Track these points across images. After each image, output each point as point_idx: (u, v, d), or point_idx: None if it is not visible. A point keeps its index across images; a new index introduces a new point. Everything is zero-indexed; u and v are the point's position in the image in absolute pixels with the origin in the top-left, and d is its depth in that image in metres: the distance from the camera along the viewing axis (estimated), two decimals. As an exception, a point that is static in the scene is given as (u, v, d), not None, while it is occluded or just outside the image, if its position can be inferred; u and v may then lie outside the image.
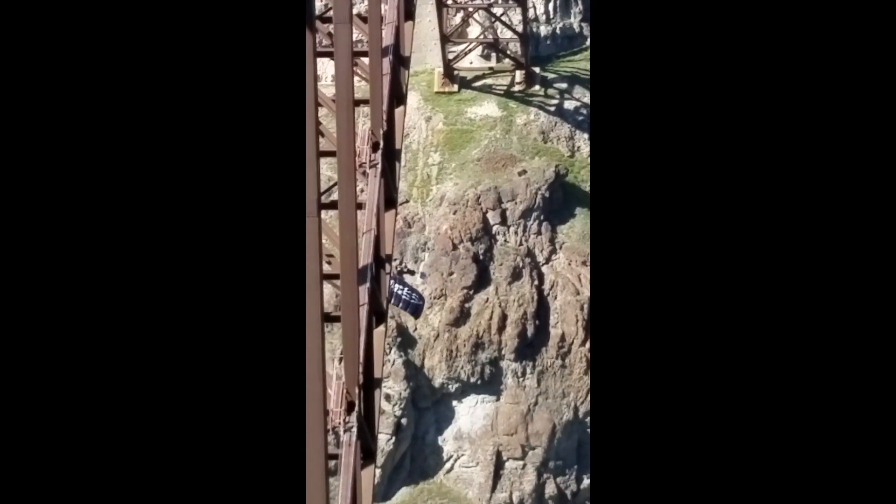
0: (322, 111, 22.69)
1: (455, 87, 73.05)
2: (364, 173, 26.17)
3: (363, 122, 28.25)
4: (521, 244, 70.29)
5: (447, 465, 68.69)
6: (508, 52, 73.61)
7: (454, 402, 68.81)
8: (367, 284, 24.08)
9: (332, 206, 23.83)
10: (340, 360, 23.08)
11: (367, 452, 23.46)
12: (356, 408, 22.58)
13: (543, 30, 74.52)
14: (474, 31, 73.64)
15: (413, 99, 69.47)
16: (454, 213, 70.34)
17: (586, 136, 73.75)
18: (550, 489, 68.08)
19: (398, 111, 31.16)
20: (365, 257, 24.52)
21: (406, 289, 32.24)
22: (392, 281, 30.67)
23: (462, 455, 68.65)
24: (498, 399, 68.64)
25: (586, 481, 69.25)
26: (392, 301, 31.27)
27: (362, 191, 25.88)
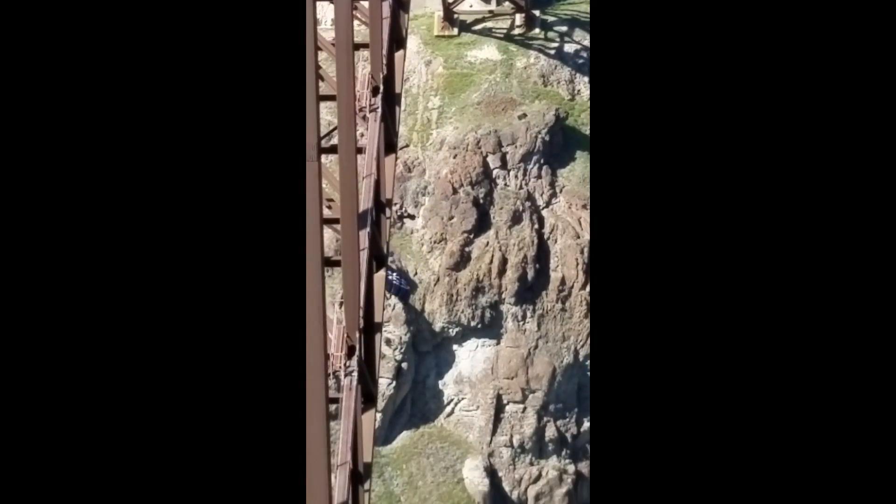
0: (322, 55, 22.59)
1: (455, 31, 72.78)
2: (364, 118, 26.10)
3: (363, 67, 28.14)
4: (521, 188, 70.21)
5: (448, 409, 68.88)
6: (508, -5, 73.31)
7: (454, 346, 68.92)
8: (368, 229, 24.06)
9: (332, 150, 23.77)
10: (341, 304, 23.11)
11: (367, 396, 23.51)
12: (357, 352, 22.61)
13: (543, -28, 74.22)
14: (474, -26, 73.31)
15: (413, 43, 69.20)
16: (454, 158, 70.21)
17: (586, 79, 73.51)
18: (551, 432, 68.29)
19: (398, 55, 31.05)
20: (365, 202, 24.49)
21: (395, 274, 32.63)
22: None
23: (462, 399, 68.81)
24: (498, 343, 68.76)
25: (586, 424, 69.48)
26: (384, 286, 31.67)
27: (362, 135, 25.82)
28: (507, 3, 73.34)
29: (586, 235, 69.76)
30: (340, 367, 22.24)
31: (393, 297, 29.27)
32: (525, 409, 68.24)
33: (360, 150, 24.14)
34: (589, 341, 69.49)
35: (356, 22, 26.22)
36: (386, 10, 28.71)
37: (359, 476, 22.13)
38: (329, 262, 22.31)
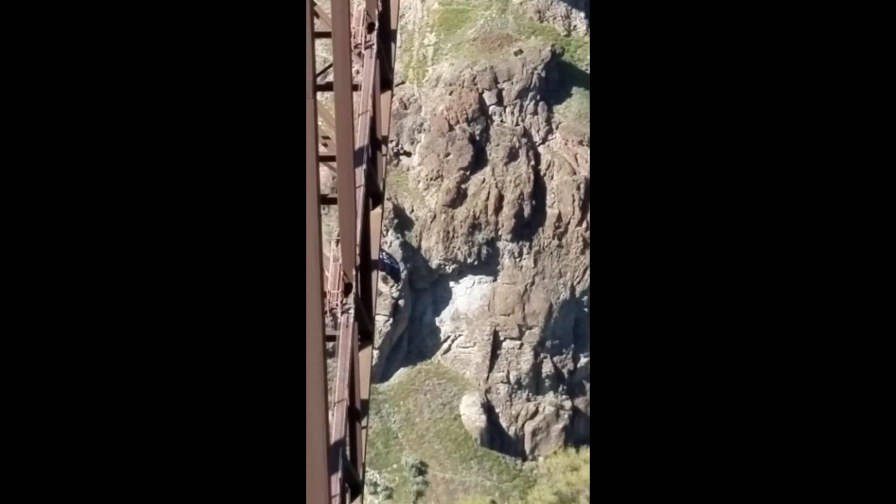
0: (316, -8, 22.46)
1: (450, -34, 72.32)
2: (359, 54, 25.94)
3: (358, 3, 28.00)
4: (517, 124, 70.07)
5: (444, 346, 69.07)
6: (504, -70, 72.83)
7: (451, 283, 69.01)
8: (364, 166, 23.99)
9: (328, 87, 23.65)
10: (337, 242, 23.07)
11: (364, 334, 23.51)
12: (353, 289, 22.60)
13: None
14: None
15: (408, -22, 68.88)
16: (450, 94, 70.01)
17: (583, 14, 73.23)
18: (547, 368, 68.52)
19: (393, -9, 30.86)
20: (361, 139, 24.40)
21: (384, 254, 32.86)
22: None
23: (459, 336, 69.00)
24: (495, 279, 68.86)
25: (583, 360, 69.73)
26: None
27: (358, 72, 25.69)
28: (502, -61, 72.87)
29: (583, 172, 69.69)
30: (337, 305, 22.23)
31: (385, 272, 29.71)
32: (522, 345, 68.44)
33: (355, 88, 24.03)
34: (585, 278, 69.58)
35: (351, -42, 26.04)
36: (380, -55, 28.52)
37: (356, 413, 22.19)
38: (325, 200, 22.26)
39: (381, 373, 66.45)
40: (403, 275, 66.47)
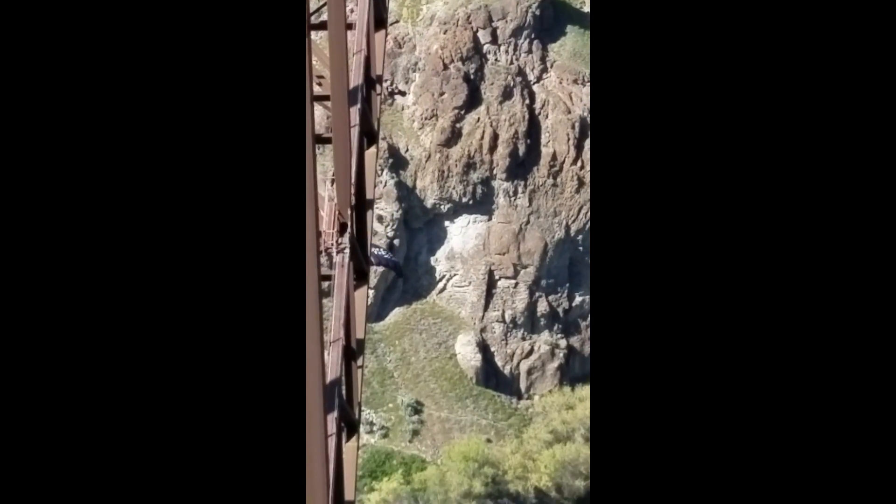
0: (309, -70, 22.30)
1: None
2: (353, -7, 25.84)
3: (351, -59, 27.85)
4: (511, 63, 69.84)
5: (440, 286, 69.15)
6: None
7: (446, 223, 69.00)
8: (358, 105, 23.92)
9: (322, 27, 23.55)
10: (332, 181, 23.03)
11: (359, 273, 23.53)
12: (348, 229, 22.60)
13: None
14: None
15: (401, -84, 68.46)
16: (444, 33, 69.73)
17: (577, -48, 72.82)
18: (542, 307, 68.64)
19: (386, -71, 30.68)
20: (355, 78, 24.32)
21: (382, 251, 33.13)
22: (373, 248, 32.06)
23: (454, 275, 69.08)
24: (490, 219, 68.87)
25: (578, 299, 69.85)
26: (374, 261, 32.45)
27: (352, 11, 25.60)
28: None
29: (577, 110, 69.57)
30: (332, 245, 22.25)
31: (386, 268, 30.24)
32: (517, 284, 68.54)
33: (349, 27, 23.93)
34: (580, 216, 69.62)
35: None
36: None
37: (352, 352, 22.25)
38: (320, 140, 22.22)
39: (377, 312, 66.52)
40: (398, 214, 66.48)
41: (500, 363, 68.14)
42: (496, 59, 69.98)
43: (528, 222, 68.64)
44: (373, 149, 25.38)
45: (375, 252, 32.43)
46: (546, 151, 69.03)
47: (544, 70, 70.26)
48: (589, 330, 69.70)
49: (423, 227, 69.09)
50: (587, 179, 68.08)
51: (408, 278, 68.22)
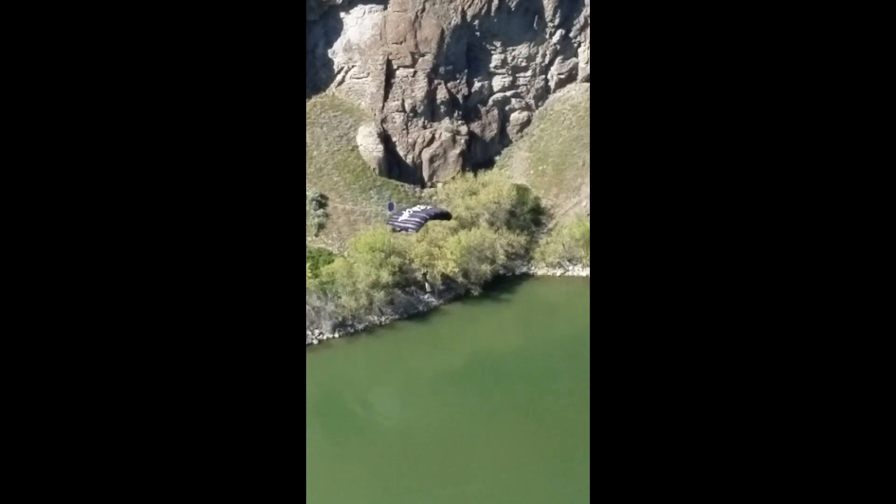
0: None
1: None
2: None
3: None
4: None
5: (338, 78, 68.91)
6: None
7: (342, 14, 68.46)
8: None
9: None
10: None
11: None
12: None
13: None
14: None
15: None
16: None
17: None
18: (442, 94, 68.70)
19: None
20: None
21: (405, 216, 33.76)
22: (394, 215, 32.69)
23: (353, 66, 68.79)
24: (385, 7, 68.39)
25: (477, 84, 69.93)
26: (427, 216, 33.34)
27: None
28: None
29: None
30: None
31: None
32: (415, 73, 68.44)
33: None
34: (475, 1, 69.34)
35: None
36: None
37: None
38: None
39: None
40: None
41: (402, 153, 68.44)
42: None
43: (423, 10, 68.24)
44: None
45: (427, 209, 34.17)
46: (439, -64, 68.34)
47: None
48: (489, 115, 70.12)
49: (318, 19, 68.53)
50: (481, -36, 67.55)
51: (306, 72, 67.87)
